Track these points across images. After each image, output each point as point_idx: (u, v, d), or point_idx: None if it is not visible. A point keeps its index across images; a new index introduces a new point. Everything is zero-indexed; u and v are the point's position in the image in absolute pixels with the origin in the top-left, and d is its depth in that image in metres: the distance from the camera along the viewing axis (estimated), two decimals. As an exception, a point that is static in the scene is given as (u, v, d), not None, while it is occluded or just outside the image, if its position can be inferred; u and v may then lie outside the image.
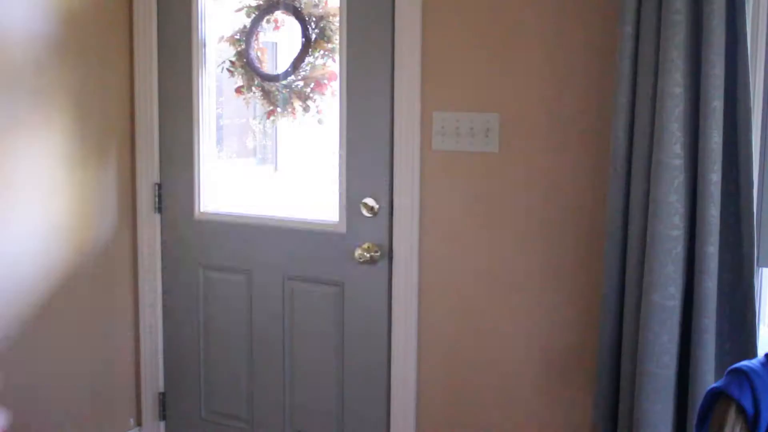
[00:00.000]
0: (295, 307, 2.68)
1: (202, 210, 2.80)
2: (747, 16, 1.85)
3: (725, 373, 1.46)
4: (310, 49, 2.60)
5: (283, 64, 2.69)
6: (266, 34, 2.73)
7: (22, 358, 2.51)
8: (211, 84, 2.79)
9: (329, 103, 2.63)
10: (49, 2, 2.51)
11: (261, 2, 2.68)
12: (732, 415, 1.41)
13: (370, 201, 2.50)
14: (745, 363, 1.44)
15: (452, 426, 2.48)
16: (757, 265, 1.96)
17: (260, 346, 2.74)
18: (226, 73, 2.76)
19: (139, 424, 2.98)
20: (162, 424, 2.99)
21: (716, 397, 1.45)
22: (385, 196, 2.48)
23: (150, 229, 2.87)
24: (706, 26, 1.81)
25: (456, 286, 2.41)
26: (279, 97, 2.67)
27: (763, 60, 1.97)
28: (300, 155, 3.18)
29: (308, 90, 2.65)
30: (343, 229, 2.56)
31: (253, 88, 2.69)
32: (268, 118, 2.70)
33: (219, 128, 2.87)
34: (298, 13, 2.60)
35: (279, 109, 2.67)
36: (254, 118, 2.79)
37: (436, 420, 2.50)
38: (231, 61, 2.73)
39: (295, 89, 2.64)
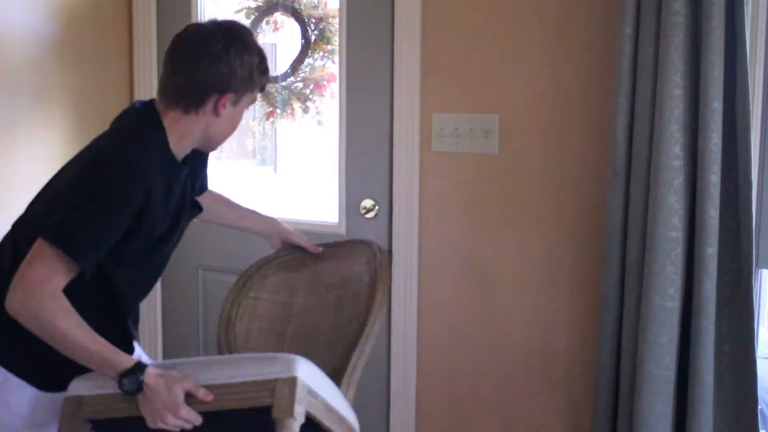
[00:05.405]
0: (295, 308, 2.68)
1: (201, 211, 2.79)
2: (746, 17, 1.85)
3: None
4: (309, 51, 2.61)
5: (283, 66, 2.69)
6: (266, 35, 2.74)
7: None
8: (210, 85, 2.79)
9: (329, 105, 2.63)
10: (49, 2, 2.51)
11: (260, 3, 2.68)
12: None
13: (369, 202, 2.50)
14: None
15: (452, 427, 2.47)
16: (756, 266, 1.96)
17: (259, 348, 2.74)
18: (225, 75, 2.76)
19: (137, 425, 2.98)
20: (161, 425, 2.98)
21: None
22: (384, 198, 2.48)
23: (149, 230, 2.86)
24: (706, 28, 1.81)
25: (455, 288, 2.41)
26: (278, 98, 2.67)
27: (762, 61, 1.98)
28: (299, 157, 3.18)
29: (308, 91, 2.65)
30: (342, 230, 2.56)
31: (253, 90, 2.69)
32: (268, 119, 2.70)
33: (218, 129, 2.86)
34: (297, 15, 2.60)
35: (278, 111, 2.68)
36: (254, 119, 2.80)
37: (435, 420, 2.50)
38: (231, 63, 2.73)
39: (295, 91, 2.65)
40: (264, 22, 2.69)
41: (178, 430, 1.47)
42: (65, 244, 1.46)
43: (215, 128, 1.63)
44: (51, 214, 1.50)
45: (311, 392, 1.45)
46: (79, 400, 1.53)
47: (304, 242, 2.01)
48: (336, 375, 1.69)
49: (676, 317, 1.92)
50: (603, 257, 2.06)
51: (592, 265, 2.19)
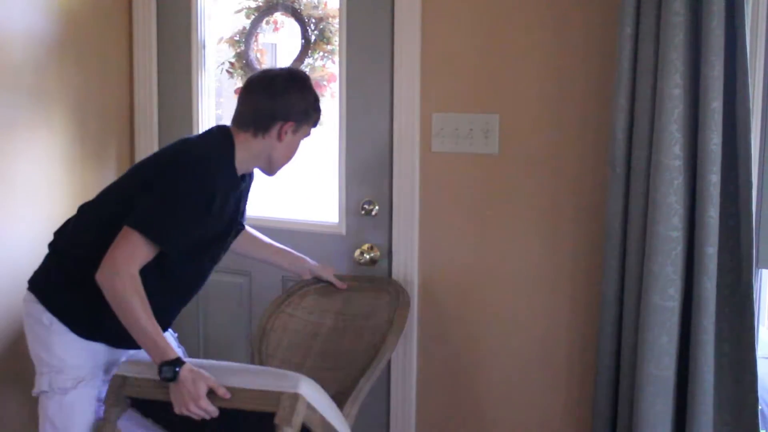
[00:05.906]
0: (295, 308, 2.68)
1: (201, 211, 2.79)
2: (746, 17, 1.85)
3: None
4: (309, 51, 2.61)
5: (283, 66, 2.69)
6: (266, 35, 2.74)
7: (20, 359, 2.50)
8: (210, 85, 2.80)
9: (329, 105, 2.63)
10: (49, 2, 2.51)
11: (260, 3, 2.68)
12: None
13: (369, 203, 2.50)
14: None
15: (452, 426, 2.48)
16: (756, 266, 1.96)
17: (259, 348, 2.74)
18: (225, 74, 2.77)
19: (137, 425, 2.98)
20: (161, 425, 2.98)
21: None
22: (384, 198, 2.48)
23: (149, 230, 2.86)
24: (706, 27, 1.81)
25: (455, 288, 2.41)
26: (278, 98, 2.67)
27: (762, 61, 1.98)
28: (299, 156, 3.18)
29: (308, 91, 2.65)
30: (342, 230, 2.56)
31: (253, 90, 2.69)
32: (268, 119, 2.70)
33: (218, 129, 2.87)
34: (297, 15, 2.60)
35: (279, 111, 2.67)
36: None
37: (435, 420, 2.50)
38: (231, 62, 2.74)
39: (295, 91, 2.64)
40: (264, 22, 2.69)
41: (198, 418, 1.75)
42: (145, 229, 1.79)
43: (277, 151, 1.98)
44: (135, 205, 1.82)
45: (310, 407, 1.72)
46: (124, 379, 1.88)
47: (332, 278, 2.31)
48: (346, 392, 2.01)
49: (676, 317, 1.92)
50: (603, 257, 2.06)
51: (591, 265, 2.19)
